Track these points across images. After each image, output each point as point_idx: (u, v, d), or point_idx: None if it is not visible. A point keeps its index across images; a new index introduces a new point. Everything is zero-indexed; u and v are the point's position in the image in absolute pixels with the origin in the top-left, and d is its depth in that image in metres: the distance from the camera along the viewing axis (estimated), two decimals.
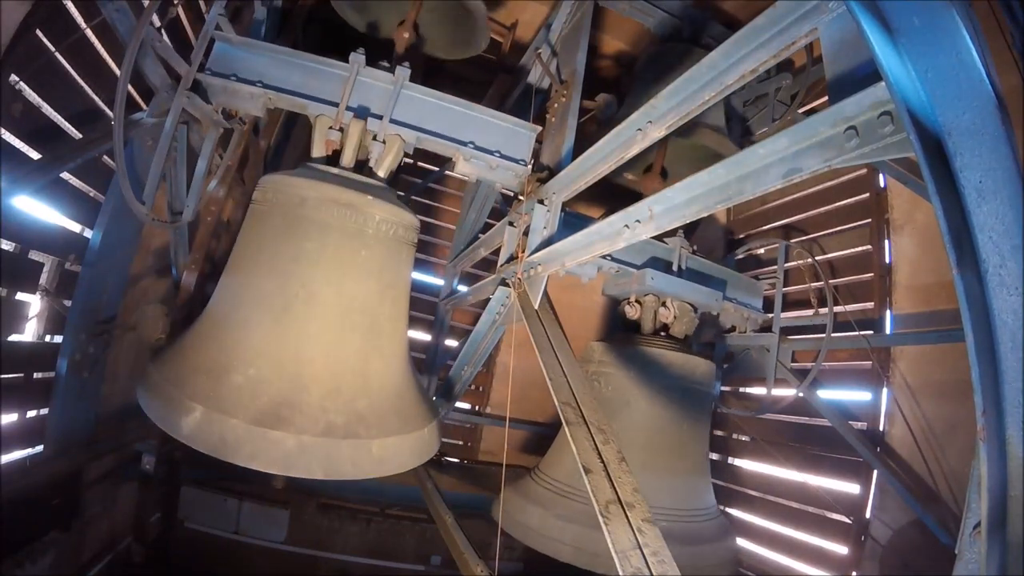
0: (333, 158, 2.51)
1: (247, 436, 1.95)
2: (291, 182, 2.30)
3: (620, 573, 1.32)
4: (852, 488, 3.56)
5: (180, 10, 2.80)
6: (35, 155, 2.27)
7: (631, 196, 1.91)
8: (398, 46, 2.93)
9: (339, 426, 2.10)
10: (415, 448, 2.34)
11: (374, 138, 2.49)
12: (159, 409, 2.06)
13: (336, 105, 2.43)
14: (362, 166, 2.54)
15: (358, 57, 2.42)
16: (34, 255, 2.52)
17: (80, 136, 2.49)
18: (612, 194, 3.50)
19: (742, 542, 4.12)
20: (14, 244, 2.35)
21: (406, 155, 2.65)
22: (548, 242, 2.50)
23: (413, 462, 2.33)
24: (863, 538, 3.40)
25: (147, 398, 2.13)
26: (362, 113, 2.47)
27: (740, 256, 4.68)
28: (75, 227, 2.74)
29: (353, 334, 2.30)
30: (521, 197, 2.81)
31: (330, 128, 2.45)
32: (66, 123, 2.46)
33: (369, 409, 2.23)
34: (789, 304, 4.14)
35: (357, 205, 2.29)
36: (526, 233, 2.71)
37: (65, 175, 2.49)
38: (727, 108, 4.11)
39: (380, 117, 2.47)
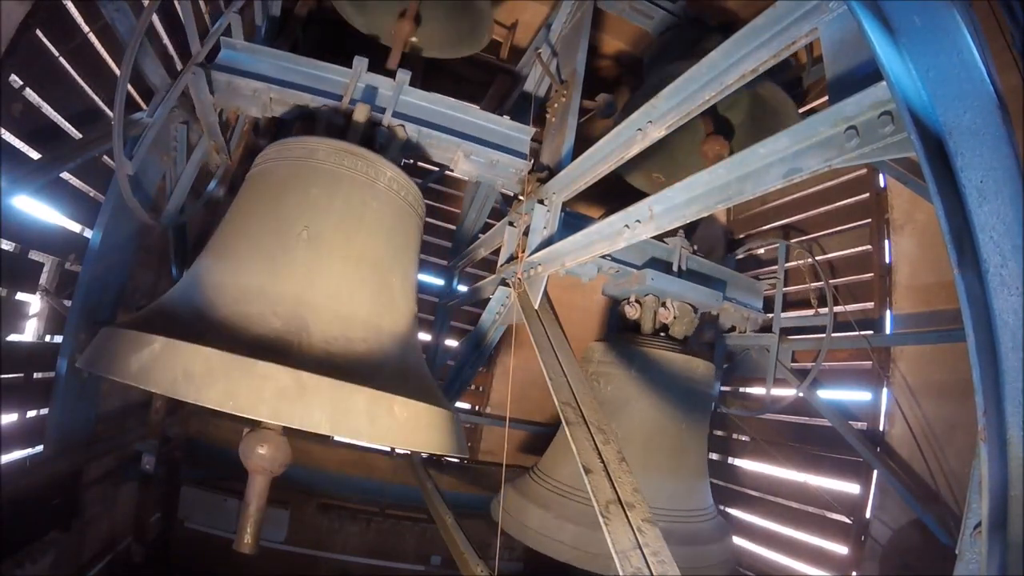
0: None
1: (223, 368, 1.44)
2: (298, 139, 2.18)
3: (620, 573, 1.32)
4: (852, 488, 3.56)
5: (180, 10, 2.80)
6: (35, 155, 2.26)
7: (631, 196, 1.91)
8: (396, 38, 2.92)
9: (350, 370, 1.64)
10: (443, 428, 1.84)
11: (378, 125, 2.49)
12: (106, 355, 1.56)
13: (339, 101, 2.44)
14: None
15: (361, 61, 2.43)
16: (34, 255, 2.52)
17: (80, 136, 2.49)
18: (612, 194, 3.50)
19: (742, 542, 4.12)
20: (14, 244, 2.35)
21: (406, 156, 2.66)
22: (548, 242, 2.50)
23: (441, 444, 1.82)
24: (863, 538, 3.40)
25: (93, 350, 1.65)
26: None
27: (740, 256, 4.68)
28: (75, 227, 2.74)
29: (363, 288, 1.98)
30: (521, 197, 2.81)
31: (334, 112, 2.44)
32: (66, 123, 2.46)
33: (385, 365, 1.82)
34: (789, 304, 4.14)
35: (369, 158, 2.17)
36: (526, 233, 2.71)
37: (65, 175, 2.49)
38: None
39: (382, 112, 2.49)
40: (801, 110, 3.79)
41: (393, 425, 1.63)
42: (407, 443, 1.73)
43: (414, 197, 2.35)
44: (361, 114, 2.42)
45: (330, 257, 1.95)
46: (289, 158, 2.12)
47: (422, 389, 1.90)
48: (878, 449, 3.43)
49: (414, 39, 3.14)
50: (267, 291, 1.77)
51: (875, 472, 3.42)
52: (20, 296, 2.49)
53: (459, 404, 4.58)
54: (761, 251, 4.69)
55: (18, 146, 2.22)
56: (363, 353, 1.79)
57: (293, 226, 1.92)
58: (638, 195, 1.82)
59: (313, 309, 1.78)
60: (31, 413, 2.62)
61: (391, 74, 2.53)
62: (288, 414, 1.47)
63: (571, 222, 2.56)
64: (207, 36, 2.31)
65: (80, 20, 2.38)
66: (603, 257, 2.87)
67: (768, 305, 3.97)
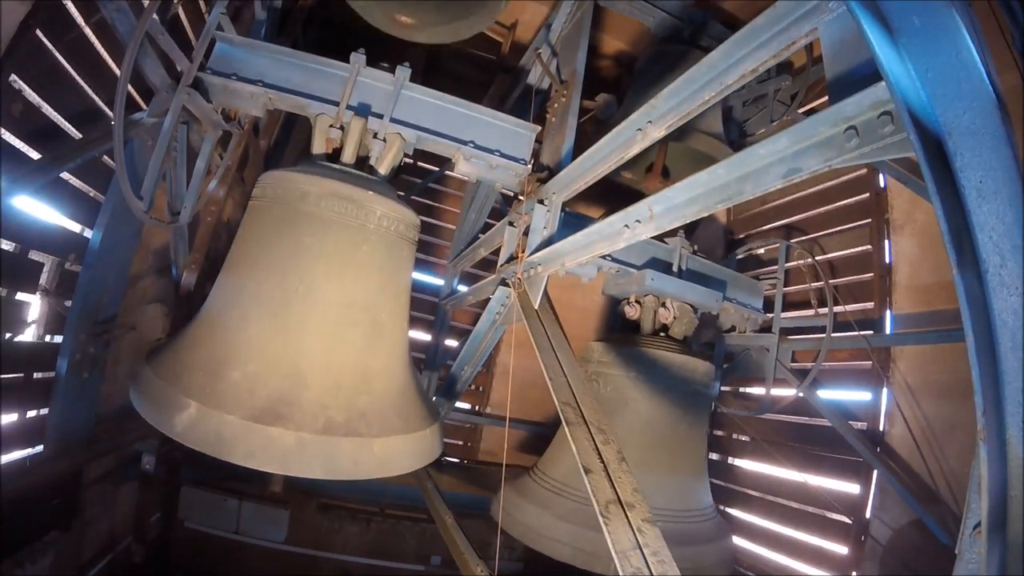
0: (334, 156, 2.51)
1: (244, 433, 1.88)
2: (291, 177, 2.28)
3: (620, 573, 1.32)
4: (852, 488, 3.56)
5: (180, 10, 2.81)
6: (35, 155, 2.26)
7: (631, 196, 1.91)
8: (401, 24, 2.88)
9: (340, 424, 2.04)
10: (418, 449, 2.29)
11: (375, 136, 2.49)
12: (152, 407, 2.01)
13: (336, 104, 2.44)
14: (363, 163, 2.53)
15: (359, 57, 2.42)
16: (34, 255, 2.52)
17: (80, 136, 2.49)
18: (612, 194, 3.50)
19: (742, 542, 4.12)
20: (14, 244, 2.35)
21: (406, 155, 2.66)
22: (548, 242, 2.50)
23: (416, 463, 2.28)
24: (863, 538, 3.40)
25: (140, 396, 2.08)
26: (362, 112, 2.47)
27: (740, 256, 4.68)
28: (75, 227, 2.74)
29: (354, 330, 2.25)
30: (521, 197, 2.81)
31: (331, 126, 2.45)
32: (66, 123, 2.46)
33: (370, 407, 2.18)
34: (789, 304, 4.14)
35: (358, 200, 2.26)
36: (526, 233, 2.71)
37: (65, 175, 2.49)
38: (726, 108, 4.11)
39: (380, 116, 2.48)
40: (801, 110, 3.80)
41: (373, 462, 2.07)
42: (386, 473, 2.12)
43: (406, 225, 2.43)
44: (355, 131, 2.42)
45: (324, 308, 2.19)
46: (284, 199, 2.26)
47: (404, 411, 2.30)
48: (878, 449, 3.43)
49: (409, 20, 3.06)
50: (271, 347, 2.10)
51: (875, 472, 3.42)
52: (20, 296, 2.49)
53: (459, 404, 4.58)
54: (761, 251, 4.69)
55: (18, 146, 2.22)
56: (351, 397, 2.14)
57: (290, 279, 2.16)
58: (638, 195, 1.82)
59: (309, 361, 2.12)
60: (31, 413, 2.62)
61: (391, 69, 2.52)
62: (293, 467, 1.93)
63: (571, 222, 2.56)
64: (200, 38, 2.31)
65: (80, 20, 2.38)
66: (603, 257, 2.87)
67: (768, 305, 3.97)
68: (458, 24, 3.05)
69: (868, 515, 3.44)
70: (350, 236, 2.25)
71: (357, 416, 2.11)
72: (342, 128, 2.47)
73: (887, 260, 3.67)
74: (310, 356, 2.13)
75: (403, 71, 2.49)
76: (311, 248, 2.20)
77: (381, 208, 2.31)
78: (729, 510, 4.45)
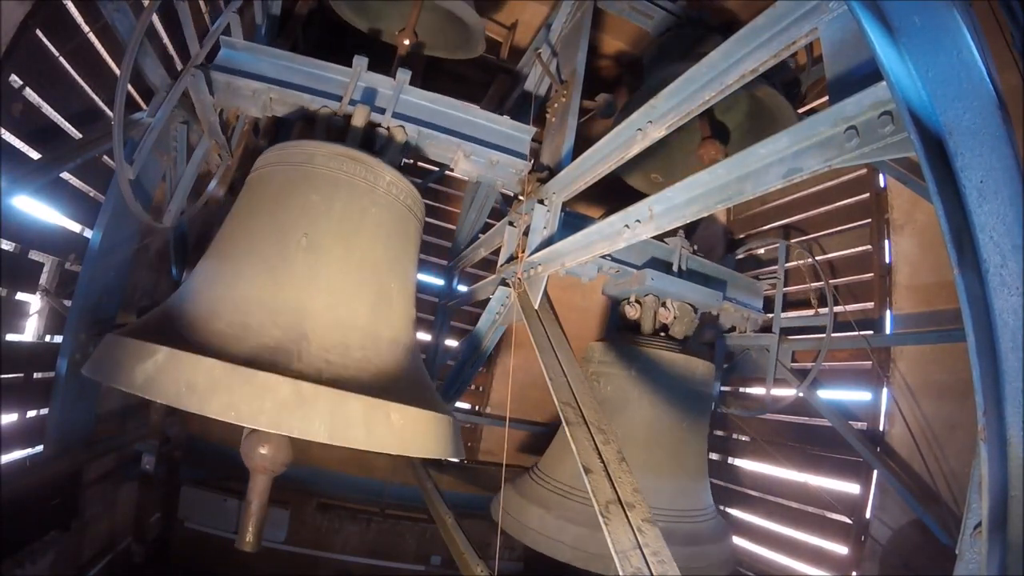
0: None
1: (224, 379, 1.48)
2: (297, 143, 2.17)
3: (620, 573, 1.32)
4: (852, 488, 3.56)
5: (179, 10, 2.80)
6: (35, 155, 2.26)
7: (631, 196, 1.91)
8: (400, 50, 2.93)
9: (348, 379, 1.67)
10: (439, 432, 1.86)
11: (377, 127, 2.49)
12: (110, 364, 1.59)
13: (338, 102, 2.44)
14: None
15: (361, 60, 2.43)
16: (34, 255, 2.52)
17: (80, 136, 2.49)
18: (612, 194, 3.50)
19: (742, 542, 4.12)
20: (14, 244, 2.35)
21: (406, 156, 2.66)
22: (548, 242, 2.50)
23: (437, 449, 1.84)
24: (863, 538, 3.40)
25: (98, 359, 1.68)
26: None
27: (740, 256, 4.68)
28: (75, 227, 2.74)
29: (361, 295, 1.99)
30: (521, 197, 2.81)
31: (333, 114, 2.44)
32: (66, 123, 2.46)
33: (383, 372, 1.84)
34: (789, 304, 4.14)
35: (368, 163, 2.15)
36: (526, 233, 2.71)
37: (65, 175, 2.49)
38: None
39: (382, 113, 2.49)
40: (801, 110, 3.79)
41: (390, 432, 1.66)
42: (404, 449, 1.72)
43: (413, 200, 2.33)
44: (360, 117, 2.42)
45: (329, 264, 1.95)
46: (288, 163, 2.11)
47: (419, 394, 1.92)
48: (878, 449, 3.43)
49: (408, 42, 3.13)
50: (267, 300, 1.80)
51: (875, 472, 3.42)
52: (20, 296, 2.50)
53: (459, 404, 4.58)
54: (761, 251, 4.69)
55: (18, 146, 2.22)
56: (361, 360, 1.81)
57: (292, 233, 1.93)
58: (638, 195, 1.82)
59: (312, 317, 1.80)
60: (31, 413, 2.62)
61: (391, 74, 2.53)
62: (287, 424, 1.51)
63: (571, 222, 2.56)
64: (206, 36, 2.31)
65: (80, 20, 2.38)
66: (603, 257, 2.87)
67: (768, 305, 3.97)
68: (452, 48, 3.17)
69: (868, 515, 3.43)
70: (359, 197, 2.10)
71: (369, 376, 1.76)
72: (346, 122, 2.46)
73: (887, 260, 3.67)
74: (312, 311, 1.82)
75: (403, 75, 2.49)
76: (318, 205, 2.00)
77: (389, 175, 2.20)
78: (729, 510, 4.45)
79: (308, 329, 1.76)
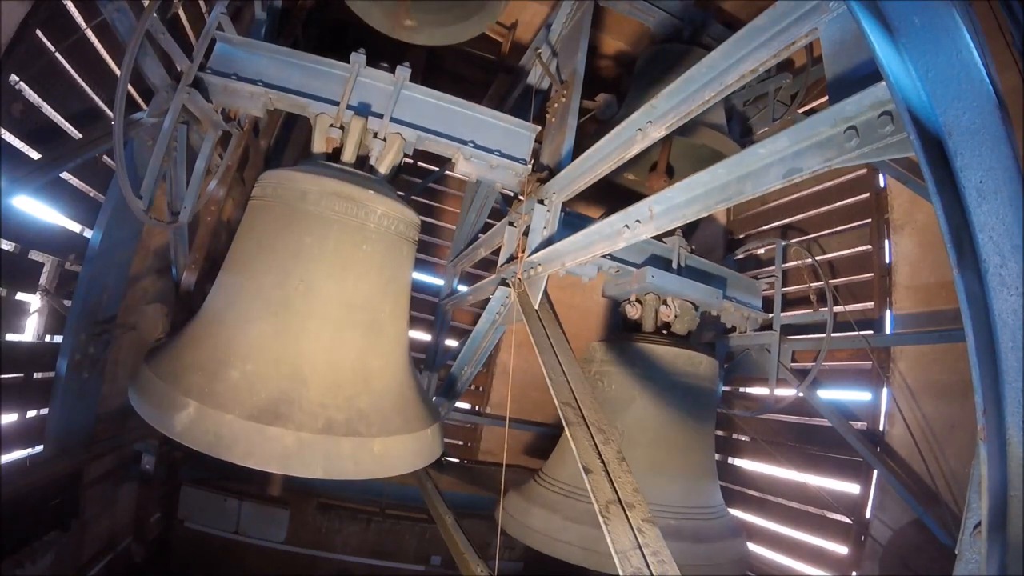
0: (334, 156, 2.50)
1: (243, 433, 1.88)
2: (291, 176, 2.27)
3: (620, 573, 1.32)
4: (852, 488, 3.56)
5: (180, 10, 2.80)
6: (35, 155, 2.26)
7: (631, 196, 1.91)
8: (397, 23, 2.89)
9: (340, 423, 2.03)
10: (418, 449, 2.28)
11: (375, 135, 2.49)
12: (151, 407, 2.00)
13: (336, 104, 2.44)
14: (363, 163, 2.53)
15: (359, 57, 2.42)
16: (34, 255, 2.52)
17: (80, 136, 2.49)
18: (612, 194, 3.50)
19: None
20: (14, 244, 2.35)
21: (406, 155, 2.66)
22: (548, 242, 2.50)
23: (416, 463, 2.27)
24: (863, 538, 3.40)
25: (139, 396, 2.08)
26: (363, 111, 2.47)
27: (740, 256, 4.68)
28: (75, 227, 2.74)
29: (354, 330, 2.25)
30: (521, 197, 2.81)
31: (331, 126, 2.45)
32: (66, 123, 2.46)
33: (370, 407, 2.17)
34: (789, 304, 4.14)
35: (359, 199, 2.25)
36: (526, 233, 2.71)
37: (65, 175, 2.49)
38: (728, 107, 4.10)
39: (380, 116, 2.48)
40: (801, 110, 3.80)
41: (373, 461, 2.06)
42: (386, 472, 2.10)
43: (406, 224, 2.42)
44: (356, 131, 2.42)
45: (324, 307, 2.18)
46: (284, 198, 2.25)
47: (402, 412, 2.28)
48: (878, 449, 3.43)
49: (414, 24, 3.07)
50: (272, 348, 2.09)
51: (875, 472, 3.42)
52: (20, 296, 2.50)
53: (459, 404, 4.57)
54: (761, 251, 4.69)
55: (18, 146, 2.22)
56: (352, 398, 2.13)
57: (291, 278, 2.16)
58: (638, 195, 1.82)
59: (310, 362, 2.11)
60: (31, 413, 2.62)
61: (391, 69, 2.52)
62: (293, 467, 1.91)
63: (571, 222, 2.56)
64: (200, 38, 2.31)
65: (80, 20, 2.38)
66: (603, 257, 2.87)
67: (768, 305, 3.96)
68: (458, 26, 3.07)
69: (868, 515, 3.44)
70: (350, 236, 2.25)
71: (357, 416, 2.11)
72: (342, 128, 2.47)
73: (887, 260, 3.67)
74: (310, 356, 2.12)
75: (403, 71, 2.49)
76: (311, 248, 2.19)
77: (381, 207, 2.30)
78: (730, 510, 4.44)
79: (307, 375, 2.08)
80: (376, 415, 2.17)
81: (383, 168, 2.54)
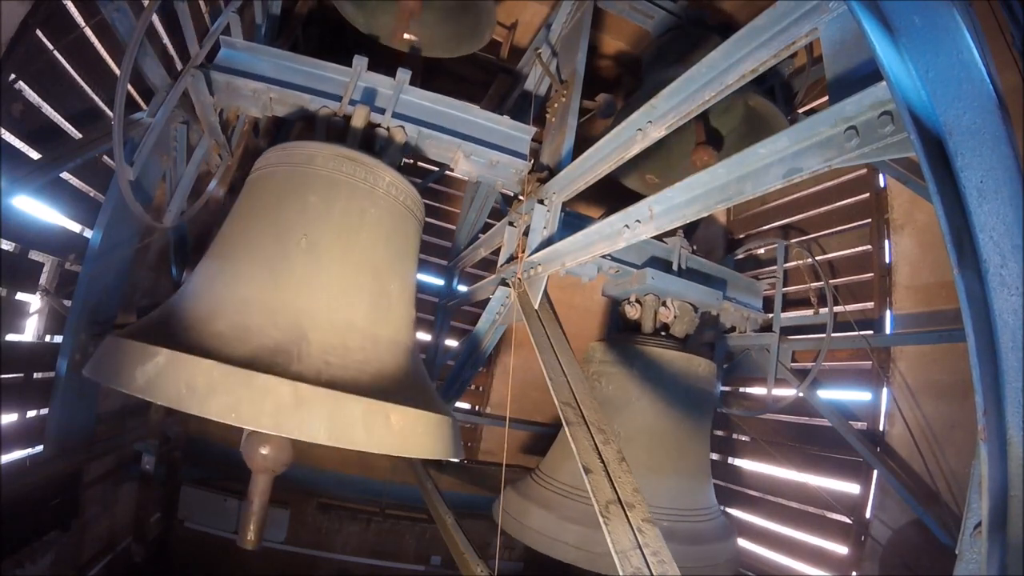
0: None
1: (224, 381, 1.49)
2: (298, 144, 2.16)
3: (620, 573, 1.32)
4: (852, 488, 3.56)
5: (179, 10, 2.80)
6: (35, 155, 2.26)
7: (631, 196, 1.91)
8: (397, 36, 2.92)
9: (347, 381, 1.67)
10: (439, 433, 1.88)
11: (377, 127, 2.49)
12: (111, 366, 1.59)
13: (339, 100, 2.44)
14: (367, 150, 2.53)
15: (361, 60, 2.43)
16: (34, 255, 2.52)
17: (80, 136, 2.49)
18: (612, 194, 3.49)
19: (742, 542, 4.12)
20: (14, 244, 2.35)
21: (406, 156, 2.66)
22: (548, 242, 2.50)
23: (436, 450, 1.87)
24: (863, 538, 3.40)
25: (99, 360, 1.67)
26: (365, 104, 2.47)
27: (740, 256, 4.68)
28: (75, 227, 2.74)
29: (361, 295, 2.00)
30: (521, 197, 2.81)
31: (334, 115, 2.44)
32: (66, 123, 2.46)
33: (383, 373, 1.85)
34: (789, 304, 4.14)
35: (367, 164, 2.16)
36: (526, 233, 2.71)
37: (65, 175, 2.49)
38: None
39: (383, 111, 2.49)
40: (801, 110, 3.79)
41: (389, 434, 1.67)
42: (404, 450, 1.74)
43: (413, 201, 2.34)
44: (360, 118, 2.42)
45: (329, 265, 1.95)
46: (288, 164, 2.12)
47: (419, 395, 1.94)
48: (878, 449, 3.43)
49: (414, 38, 3.13)
50: (267, 301, 1.80)
51: (875, 472, 3.42)
52: (20, 296, 2.49)
53: (459, 404, 4.58)
54: (761, 251, 4.69)
55: (18, 146, 2.22)
56: (361, 362, 1.82)
57: (292, 234, 1.93)
58: (638, 195, 1.82)
59: (312, 318, 1.81)
60: (31, 413, 2.62)
61: (391, 73, 2.53)
62: (287, 426, 1.51)
63: (571, 222, 2.56)
64: (206, 36, 2.31)
65: (80, 20, 2.38)
66: (603, 257, 2.87)
67: (768, 305, 3.96)
68: (457, 43, 3.10)
69: (868, 515, 3.43)
70: (359, 198, 2.11)
71: (368, 378, 1.76)
72: (345, 118, 2.46)
73: (887, 260, 3.67)
74: (312, 312, 1.82)
75: (403, 74, 2.50)
76: (317, 206, 2.01)
77: (389, 176, 2.21)
78: (729, 510, 4.45)
79: (307, 330, 1.76)
80: (390, 383, 1.84)
81: (386, 159, 2.54)
